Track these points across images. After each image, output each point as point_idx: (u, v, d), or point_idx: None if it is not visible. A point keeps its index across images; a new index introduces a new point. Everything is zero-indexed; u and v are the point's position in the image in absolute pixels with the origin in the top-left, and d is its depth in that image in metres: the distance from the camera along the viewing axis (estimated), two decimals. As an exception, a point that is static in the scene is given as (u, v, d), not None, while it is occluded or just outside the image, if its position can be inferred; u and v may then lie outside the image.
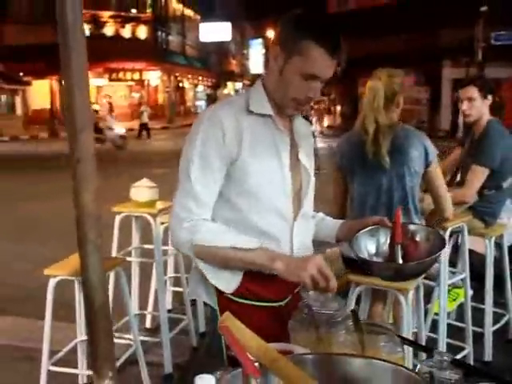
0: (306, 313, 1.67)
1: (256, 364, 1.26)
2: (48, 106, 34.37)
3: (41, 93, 34.32)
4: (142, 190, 3.75)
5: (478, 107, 3.66)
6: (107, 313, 1.56)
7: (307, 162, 1.94)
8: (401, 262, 1.80)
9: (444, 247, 1.86)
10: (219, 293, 1.85)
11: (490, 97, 3.70)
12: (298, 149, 1.91)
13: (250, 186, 1.81)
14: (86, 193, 1.58)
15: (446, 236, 3.43)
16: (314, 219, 2.07)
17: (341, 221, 2.04)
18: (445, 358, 1.45)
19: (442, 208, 2.98)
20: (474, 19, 21.58)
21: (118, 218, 3.83)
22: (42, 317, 4.37)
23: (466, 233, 3.57)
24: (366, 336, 1.53)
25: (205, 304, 1.96)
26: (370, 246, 1.87)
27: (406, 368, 1.32)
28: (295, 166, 1.90)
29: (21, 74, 32.35)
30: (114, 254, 3.86)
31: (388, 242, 1.86)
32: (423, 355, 2.25)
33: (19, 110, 32.63)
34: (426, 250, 1.82)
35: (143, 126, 27.47)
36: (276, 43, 1.79)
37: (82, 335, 3.41)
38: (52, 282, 3.09)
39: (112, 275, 3.66)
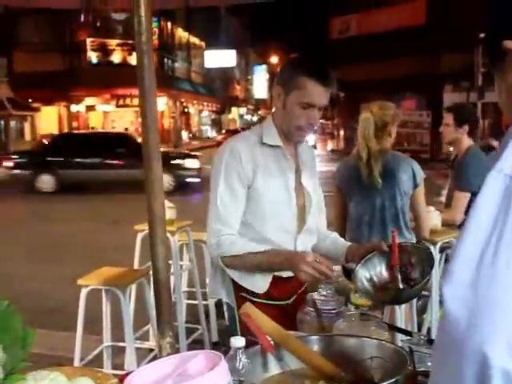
0: (311, 307, 2.05)
1: (271, 342, 1.63)
2: (55, 131, 34.97)
3: (49, 118, 34.95)
4: (162, 210, 4.12)
5: (451, 132, 4.01)
6: (169, 289, 2.03)
7: (309, 184, 2.30)
8: (401, 285, 2.04)
9: (433, 264, 2.12)
10: (237, 293, 2.23)
11: (466, 126, 3.99)
12: (301, 173, 2.29)
13: (261, 207, 2.20)
14: (156, 203, 2.03)
15: (437, 251, 3.81)
16: (328, 238, 2.40)
17: (348, 244, 2.35)
18: (421, 337, 1.82)
19: (420, 226, 3.39)
20: (474, 45, 22.06)
21: (139, 236, 4.22)
22: (65, 329, 4.76)
23: (455, 248, 3.93)
24: (359, 322, 1.90)
25: (218, 304, 2.31)
26: (368, 275, 2.11)
27: (389, 342, 1.69)
28: (299, 188, 2.27)
29: (30, 100, 32.97)
30: (136, 268, 4.24)
31: (384, 265, 2.11)
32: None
33: (28, 136, 33.18)
34: (419, 268, 2.08)
35: None
36: (277, 84, 2.21)
37: (107, 341, 3.77)
38: (84, 292, 3.45)
39: (134, 287, 4.01)
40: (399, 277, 2.04)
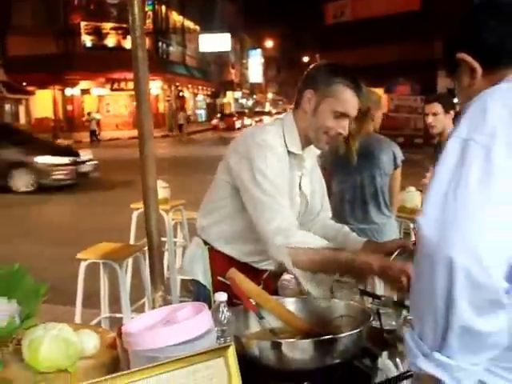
0: (292, 277, 2.24)
1: (254, 304, 1.83)
2: (50, 115, 35.00)
3: (43, 102, 34.92)
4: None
5: (441, 120, 4.17)
6: (160, 248, 2.30)
7: (307, 188, 2.28)
8: None
9: None
10: (214, 275, 2.21)
11: (452, 112, 4.17)
12: (302, 179, 2.26)
13: None
14: (150, 176, 2.22)
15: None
16: (340, 233, 2.32)
17: (364, 240, 2.25)
18: (389, 299, 2.03)
19: (392, 202, 3.61)
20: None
21: (135, 214, 4.42)
22: (65, 303, 4.96)
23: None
24: (334, 288, 2.10)
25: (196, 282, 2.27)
26: None
27: (357, 303, 1.91)
28: (299, 192, 2.26)
29: (24, 83, 32.93)
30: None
31: None
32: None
33: (22, 119, 33.19)
34: None
35: (93, 133, 29.26)
36: (308, 87, 2.11)
37: (105, 312, 3.97)
38: (83, 265, 3.64)
39: (130, 261, 4.21)
40: None
